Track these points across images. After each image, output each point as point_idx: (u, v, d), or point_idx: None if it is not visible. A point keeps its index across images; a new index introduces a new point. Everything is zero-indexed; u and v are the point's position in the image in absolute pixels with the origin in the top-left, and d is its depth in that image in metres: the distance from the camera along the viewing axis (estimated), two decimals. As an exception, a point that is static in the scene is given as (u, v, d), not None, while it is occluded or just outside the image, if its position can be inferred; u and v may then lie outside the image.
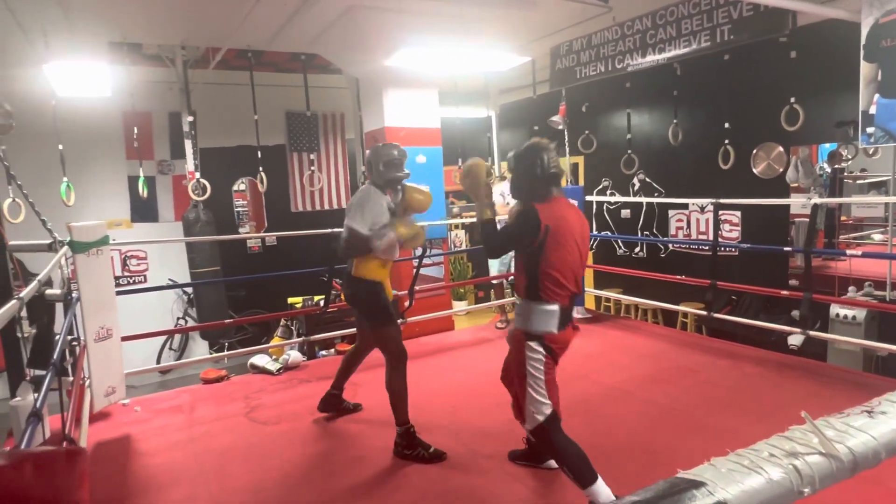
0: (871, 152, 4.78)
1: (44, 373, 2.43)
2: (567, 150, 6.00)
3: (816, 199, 4.05)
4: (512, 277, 5.37)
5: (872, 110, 3.52)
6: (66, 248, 3.16)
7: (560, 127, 5.98)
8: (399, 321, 5.01)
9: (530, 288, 2.29)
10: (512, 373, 2.44)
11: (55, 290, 3.07)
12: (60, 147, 4.96)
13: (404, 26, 4.39)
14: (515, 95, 7.80)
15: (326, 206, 7.69)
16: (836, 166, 5.31)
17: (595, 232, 7.05)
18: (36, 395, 2.31)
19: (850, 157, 4.74)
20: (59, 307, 3.23)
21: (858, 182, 6.15)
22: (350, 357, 3.42)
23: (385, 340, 3.03)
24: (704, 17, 4.36)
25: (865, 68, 3.52)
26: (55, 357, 2.44)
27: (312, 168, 7.10)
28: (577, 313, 5.53)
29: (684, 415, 3.26)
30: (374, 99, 5.25)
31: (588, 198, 5.76)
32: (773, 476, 0.50)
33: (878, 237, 6.09)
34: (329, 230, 4.95)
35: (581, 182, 7.20)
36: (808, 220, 4.03)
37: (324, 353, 4.96)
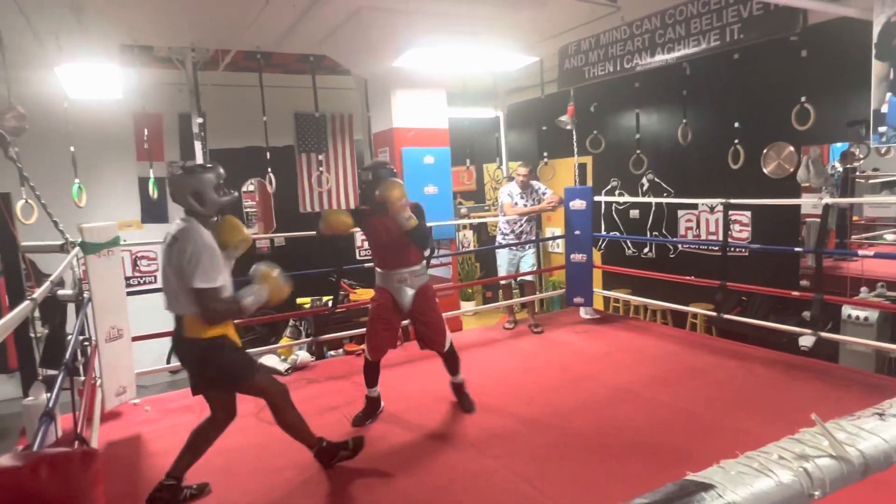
0: (883, 152, 4.72)
1: (56, 372, 2.46)
2: (575, 150, 5.98)
3: (828, 200, 4.01)
4: (521, 277, 5.36)
5: (884, 109, 3.48)
6: (77, 248, 3.19)
7: (568, 127, 5.96)
8: (405, 322, 5.03)
9: (425, 258, 3.42)
10: (432, 325, 3.37)
11: (67, 291, 3.11)
12: (72, 149, 5.00)
13: (413, 27, 4.39)
14: (523, 95, 7.79)
15: (335, 207, 7.71)
16: (848, 166, 5.26)
17: (603, 232, 7.03)
18: (48, 394, 2.33)
19: (861, 156, 4.69)
20: (71, 307, 3.27)
21: (870, 182, 6.08)
22: (201, 431, 2.70)
23: (261, 392, 2.65)
24: (714, 16, 4.33)
25: (877, 67, 3.48)
26: (67, 357, 2.47)
27: (321, 169, 7.13)
28: (585, 314, 5.52)
29: (693, 416, 3.24)
30: (382, 100, 5.26)
31: (596, 198, 5.74)
32: (783, 479, 0.49)
33: (890, 237, 6.03)
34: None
35: (589, 182, 7.18)
36: (819, 220, 3.99)
37: (332, 353, 4.98)
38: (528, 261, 5.31)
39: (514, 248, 5.26)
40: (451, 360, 3.48)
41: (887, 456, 0.54)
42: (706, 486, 0.48)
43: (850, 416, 0.58)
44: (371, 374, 3.41)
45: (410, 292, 3.31)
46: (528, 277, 5.38)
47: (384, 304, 3.34)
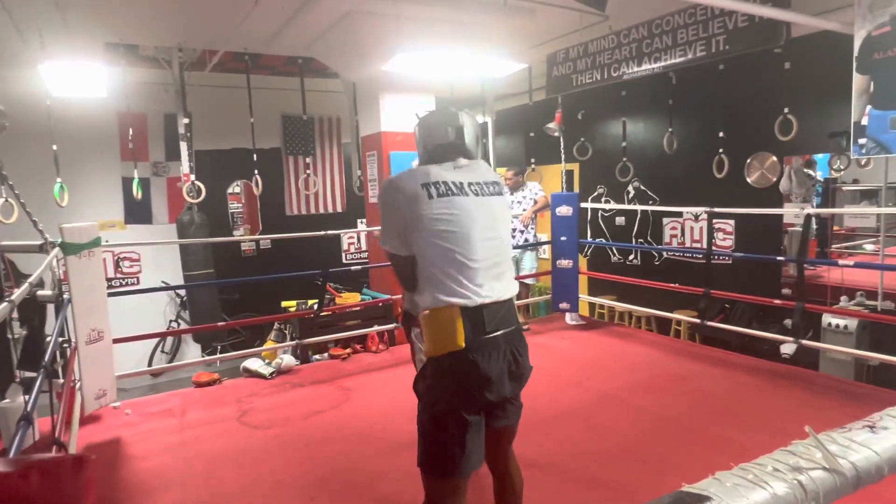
0: (863, 163, 4.82)
1: (34, 375, 2.41)
2: (563, 157, 6.02)
3: (809, 210, 4.07)
4: (530, 280, 5.42)
5: (864, 121, 3.55)
6: (57, 249, 3.13)
7: (556, 134, 6.00)
8: (393, 326, 5.02)
9: None
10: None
11: (46, 292, 3.05)
12: (54, 147, 4.92)
13: (402, 32, 4.39)
14: (512, 102, 7.82)
15: (321, 210, 7.68)
16: (810, 172, 5.34)
17: (590, 239, 7.08)
18: (26, 397, 2.29)
19: (842, 167, 4.78)
20: (51, 309, 3.21)
21: (848, 189, 6.19)
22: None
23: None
24: (700, 27, 4.38)
25: (858, 80, 3.55)
26: (46, 359, 2.42)
27: (308, 172, 7.09)
28: (571, 320, 5.54)
29: (677, 422, 3.26)
30: (370, 103, 5.25)
31: (583, 205, 5.78)
32: (778, 491, 0.49)
33: (869, 247, 6.14)
34: (323, 233, 4.95)
35: (576, 189, 7.22)
36: (800, 229, 4.06)
37: (317, 357, 4.94)
38: (527, 262, 5.36)
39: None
40: None
41: (879, 468, 0.54)
42: (702, 498, 0.48)
43: (842, 428, 0.58)
44: None
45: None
46: (529, 280, 5.43)
47: None
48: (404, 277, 1.80)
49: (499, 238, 1.79)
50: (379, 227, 1.87)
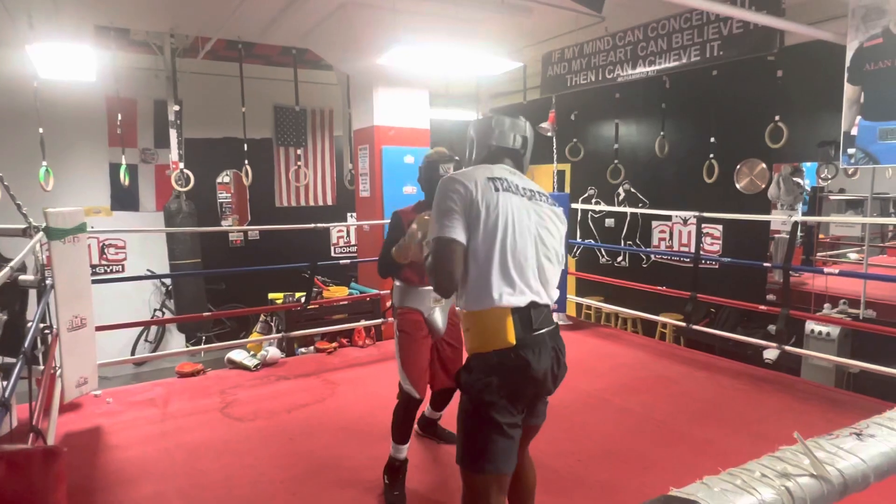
0: (850, 172, 4.88)
1: (14, 361, 2.37)
2: (555, 157, 6.03)
3: (797, 217, 4.11)
4: None
5: (854, 132, 3.59)
6: (41, 234, 3.08)
7: (549, 134, 6.01)
8: (380, 321, 5.00)
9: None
10: (459, 351, 2.70)
11: (28, 277, 3.00)
12: (41, 130, 4.84)
13: (397, 25, 4.37)
14: (506, 100, 7.82)
15: (312, 202, 7.64)
16: (795, 179, 5.38)
17: (579, 240, 7.10)
18: (4, 383, 2.25)
19: (830, 176, 4.83)
20: (33, 294, 3.15)
21: (834, 198, 6.26)
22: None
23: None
24: (695, 32, 4.41)
25: (849, 90, 3.59)
26: (26, 345, 2.38)
27: (299, 163, 7.05)
28: (558, 320, 5.54)
29: (660, 424, 3.29)
30: (364, 97, 5.22)
31: (573, 205, 5.80)
32: (765, 497, 0.49)
33: (853, 256, 6.21)
34: (312, 225, 4.92)
35: (567, 189, 7.25)
36: (787, 236, 4.09)
37: (303, 350, 4.91)
38: None
39: None
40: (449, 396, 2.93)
41: (865, 476, 0.54)
42: (690, 503, 0.47)
43: (829, 434, 0.59)
44: (406, 422, 2.60)
45: (442, 316, 2.75)
46: None
47: (420, 325, 2.68)
48: (448, 273, 1.65)
49: (549, 246, 1.75)
50: (431, 220, 1.71)
